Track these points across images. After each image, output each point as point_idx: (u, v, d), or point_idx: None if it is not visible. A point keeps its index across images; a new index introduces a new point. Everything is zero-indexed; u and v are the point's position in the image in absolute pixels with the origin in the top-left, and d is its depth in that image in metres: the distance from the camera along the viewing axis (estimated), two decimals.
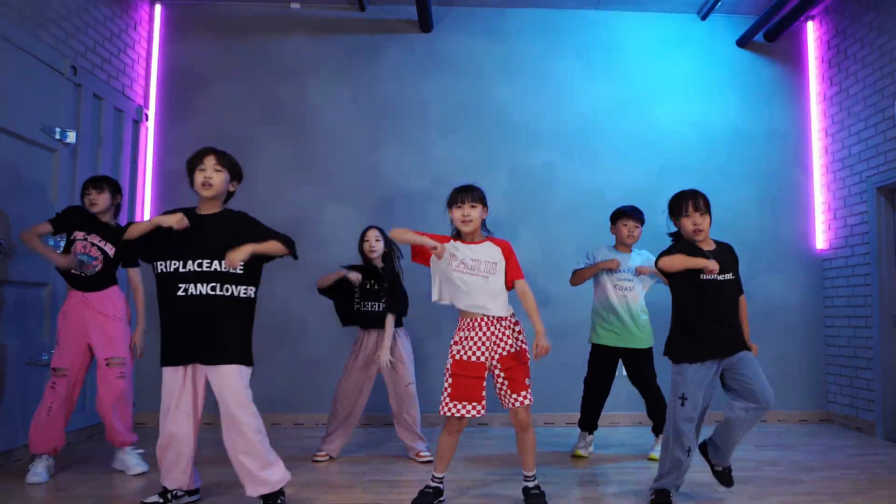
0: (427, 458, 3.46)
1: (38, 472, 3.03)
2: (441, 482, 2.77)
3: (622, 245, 3.75)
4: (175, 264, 2.54)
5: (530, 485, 2.75)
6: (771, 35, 5.00)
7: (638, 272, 3.65)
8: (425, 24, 4.83)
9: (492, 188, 4.66)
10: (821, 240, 4.91)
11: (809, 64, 5.07)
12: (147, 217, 4.67)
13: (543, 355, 2.65)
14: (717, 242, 2.85)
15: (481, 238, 2.81)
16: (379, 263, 3.61)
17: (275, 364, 4.53)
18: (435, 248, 2.63)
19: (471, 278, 2.69)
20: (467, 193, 2.75)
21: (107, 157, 4.22)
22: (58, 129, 3.68)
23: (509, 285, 2.76)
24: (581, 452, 3.67)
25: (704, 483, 3.02)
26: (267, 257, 2.64)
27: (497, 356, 2.69)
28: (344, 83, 4.89)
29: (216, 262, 2.54)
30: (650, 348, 3.66)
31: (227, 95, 4.84)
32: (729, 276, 2.75)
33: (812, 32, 5.07)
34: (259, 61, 4.88)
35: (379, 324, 3.52)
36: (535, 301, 2.76)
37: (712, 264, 2.61)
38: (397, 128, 4.87)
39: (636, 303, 3.64)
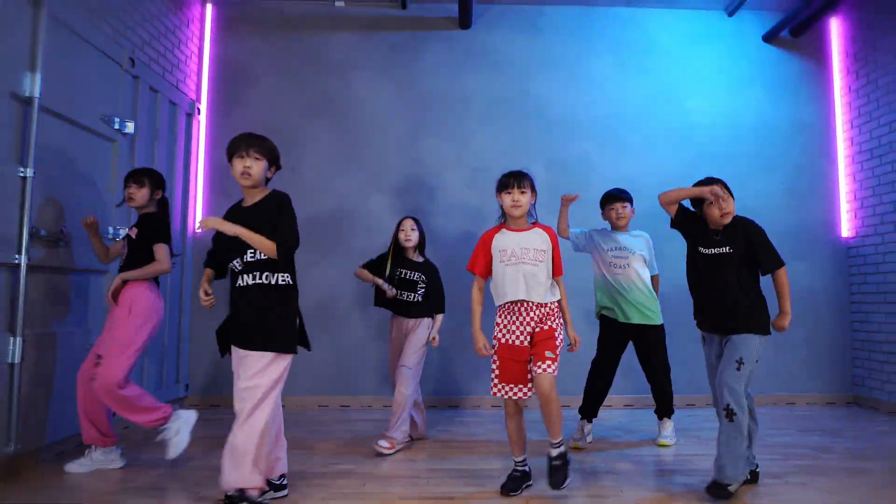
0: (384, 451, 2.88)
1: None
2: (524, 465, 2.41)
3: (616, 228, 3.26)
4: (235, 262, 2.24)
5: (554, 453, 2.31)
6: (796, 31, 4.55)
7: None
8: (465, 21, 4.39)
9: None
10: (846, 228, 4.45)
11: (834, 58, 4.60)
12: (199, 208, 4.27)
13: (575, 348, 2.46)
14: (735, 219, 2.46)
15: (528, 225, 2.45)
16: (412, 252, 3.22)
17: (322, 348, 4.13)
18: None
19: (516, 268, 2.36)
20: (517, 179, 2.41)
21: (162, 149, 3.82)
22: (117, 119, 3.28)
23: (555, 274, 2.42)
24: (579, 444, 3.09)
25: (773, 473, 2.60)
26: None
27: (532, 335, 2.37)
28: (387, 78, 4.46)
29: (257, 252, 2.20)
30: (659, 325, 3.13)
31: (275, 90, 4.42)
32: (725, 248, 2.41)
33: (836, 28, 4.59)
34: (305, 57, 4.46)
35: (411, 314, 3.15)
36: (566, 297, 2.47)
37: (713, 189, 2.35)
38: (438, 120, 4.45)
39: (631, 281, 3.13)
